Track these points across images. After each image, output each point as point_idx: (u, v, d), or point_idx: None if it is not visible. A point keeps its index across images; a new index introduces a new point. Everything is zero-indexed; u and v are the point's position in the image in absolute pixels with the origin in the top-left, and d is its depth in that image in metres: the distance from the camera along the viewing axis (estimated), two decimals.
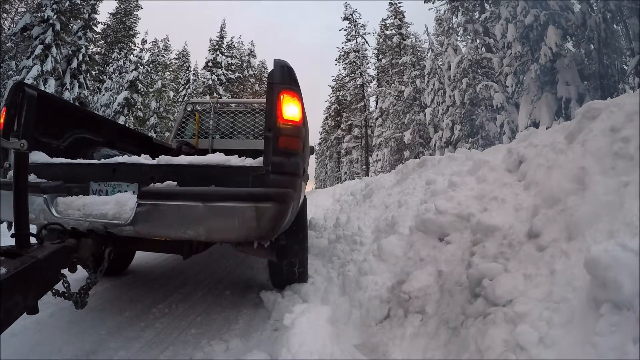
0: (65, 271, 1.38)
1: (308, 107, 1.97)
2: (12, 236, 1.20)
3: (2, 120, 1.88)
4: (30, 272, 1.06)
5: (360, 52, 25.88)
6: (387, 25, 24.11)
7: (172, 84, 26.77)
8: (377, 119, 22.22)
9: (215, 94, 21.23)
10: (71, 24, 16.81)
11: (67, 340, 1.80)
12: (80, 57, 16.93)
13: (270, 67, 1.80)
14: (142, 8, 25.46)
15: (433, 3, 14.82)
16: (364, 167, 23.88)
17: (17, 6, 16.83)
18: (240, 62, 27.54)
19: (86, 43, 17.65)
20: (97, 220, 1.60)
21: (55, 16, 15.40)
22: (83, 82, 17.02)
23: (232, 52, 26.70)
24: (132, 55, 21.57)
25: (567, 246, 1.35)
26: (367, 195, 5.05)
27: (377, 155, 20.90)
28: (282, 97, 1.66)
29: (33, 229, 1.39)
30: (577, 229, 1.36)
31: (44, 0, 15.45)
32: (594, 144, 1.58)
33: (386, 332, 1.75)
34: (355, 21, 25.78)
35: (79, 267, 1.58)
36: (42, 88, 13.50)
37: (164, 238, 1.81)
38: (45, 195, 1.67)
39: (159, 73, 25.64)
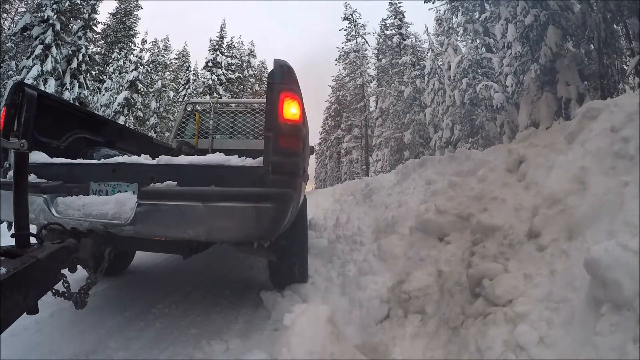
0: (65, 271, 1.37)
1: (308, 107, 1.97)
2: (12, 236, 1.20)
3: (2, 120, 1.88)
4: (30, 272, 1.05)
5: (360, 52, 25.88)
6: (387, 25, 24.06)
7: (172, 84, 26.73)
8: (377, 119, 22.20)
9: (215, 94, 21.23)
10: (71, 24, 16.78)
11: (67, 340, 1.80)
12: (80, 57, 16.90)
13: (270, 67, 1.80)
14: (142, 8, 25.46)
15: (433, 3, 14.75)
16: (364, 167, 23.88)
17: (17, 6, 16.82)
18: (240, 62, 27.50)
19: (86, 43, 17.61)
20: (97, 220, 1.60)
21: (55, 16, 15.38)
22: (83, 82, 16.99)
23: (232, 52, 26.66)
24: (132, 55, 21.52)
25: (567, 246, 1.35)
26: (367, 195, 5.06)
27: (377, 155, 20.89)
28: (282, 97, 1.66)
29: (33, 229, 1.39)
30: (577, 229, 1.36)
31: (44, 0, 15.45)
32: (594, 144, 1.58)
33: (386, 332, 1.75)
34: (355, 21, 25.78)
35: (79, 267, 1.58)
36: (42, 88, 13.49)
37: (164, 238, 1.81)
38: (45, 195, 1.66)
39: (159, 73, 25.61)
